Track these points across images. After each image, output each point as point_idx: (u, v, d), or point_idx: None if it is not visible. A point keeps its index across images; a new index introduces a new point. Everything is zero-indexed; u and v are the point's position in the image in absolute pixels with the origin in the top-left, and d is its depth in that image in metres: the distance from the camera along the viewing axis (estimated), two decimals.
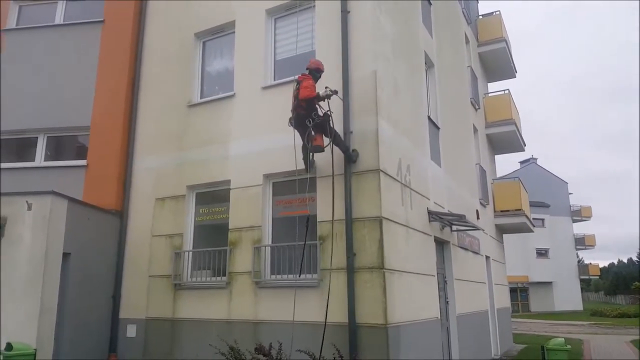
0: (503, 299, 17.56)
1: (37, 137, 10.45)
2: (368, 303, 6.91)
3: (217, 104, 9.39)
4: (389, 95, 8.13)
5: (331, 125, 7.13)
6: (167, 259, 9.06)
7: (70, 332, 8.20)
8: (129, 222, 9.71)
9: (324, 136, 7.19)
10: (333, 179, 7.29)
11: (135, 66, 10.51)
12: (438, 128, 10.97)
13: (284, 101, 7.72)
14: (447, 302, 10.31)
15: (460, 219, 10.25)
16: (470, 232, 12.38)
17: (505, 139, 18.59)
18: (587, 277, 61.21)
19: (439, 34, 12.14)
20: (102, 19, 10.90)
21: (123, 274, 9.47)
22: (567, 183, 53.13)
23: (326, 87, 7.05)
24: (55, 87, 10.52)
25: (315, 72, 7.32)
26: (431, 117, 10.57)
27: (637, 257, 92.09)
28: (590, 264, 60.30)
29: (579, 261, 57.53)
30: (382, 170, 7.34)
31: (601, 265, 74.54)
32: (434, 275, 9.33)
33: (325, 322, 6.76)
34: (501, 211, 17.18)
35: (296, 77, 7.39)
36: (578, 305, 48.67)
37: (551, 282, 47.33)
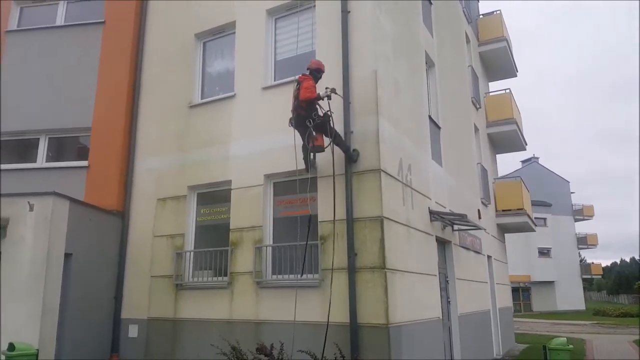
0: (505, 299, 17.53)
1: (38, 138, 10.47)
2: (369, 303, 6.90)
3: (218, 104, 9.40)
4: (390, 94, 8.13)
5: (331, 125, 7.13)
6: (169, 259, 9.07)
7: (72, 333, 8.22)
8: (130, 223, 9.73)
9: (324, 136, 7.20)
10: (334, 179, 7.30)
11: (136, 67, 10.52)
12: (439, 127, 10.96)
13: (284, 101, 7.73)
14: (448, 302, 10.30)
15: (462, 218, 10.25)
16: (471, 232, 12.37)
17: (507, 138, 18.57)
18: (589, 277, 61.15)
19: (440, 34, 12.14)
20: (102, 20, 10.92)
21: (125, 274, 9.48)
22: (569, 182, 53.06)
23: (326, 88, 7.06)
24: (57, 88, 10.54)
25: (316, 73, 7.33)
26: (432, 116, 10.57)
27: None
28: (593, 263, 60.26)
29: (581, 260, 57.45)
30: (383, 170, 7.34)
31: (603, 265, 74.58)
32: (436, 275, 9.32)
33: (328, 322, 6.76)
34: (503, 210, 17.15)
35: (296, 77, 7.40)
36: (580, 305, 48.61)
37: (553, 281, 47.28)
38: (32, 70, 10.80)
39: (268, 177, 8.44)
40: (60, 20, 11.29)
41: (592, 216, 55.49)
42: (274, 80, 8.89)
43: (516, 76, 20.64)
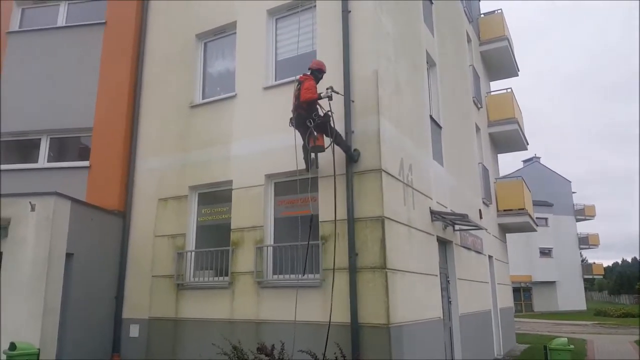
0: (506, 299, 17.53)
1: (40, 139, 10.49)
2: (370, 303, 6.90)
3: (219, 104, 9.41)
4: (391, 94, 8.13)
5: (332, 125, 7.13)
6: (170, 259, 9.08)
7: (73, 332, 8.23)
8: (131, 223, 9.74)
9: (324, 136, 7.20)
10: (335, 179, 7.30)
11: (137, 67, 10.54)
12: (440, 127, 10.96)
13: (285, 101, 7.73)
14: (449, 302, 10.30)
15: (463, 218, 10.24)
16: (473, 232, 12.36)
17: (508, 138, 18.56)
18: (590, 277, 61.12)
19: (441, 33, 12.13)
20: (104, 21, 10.93)
21: (126, 274, 9.50)
22: (570, 182, 53.03)
23: (327, 88, 7.06)
24: (58, 89, 10.56)
25: (317, 73, 7.33)
26: (433, 116, 10.56)
27: None
28: (594, 263, 60.20)
29: (582, 260, 57.38)
30: (384, 170, 7.34)
31: (605, 265, 74.51)
32: (437, 275, 9.32)
33: (330, 322, 6.76)
34: (504, 210, 17.14)
35: (297, 77, 7.41)
36: (582, 305, 48.55)
37: (555, 281, 47.24)
38: (33, 70, 10.82)
39: (269, 177, 8.45)
40: (61, 21, 11.31)
41: (593, 216, 55.46)
42: (275, 81, 8.89)
43: (517, 75, 20.64)
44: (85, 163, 10.10)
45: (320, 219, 7.60)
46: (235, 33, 9.60)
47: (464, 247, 11.67)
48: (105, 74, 10.52)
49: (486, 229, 13.69)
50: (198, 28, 10.07)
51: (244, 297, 8.09)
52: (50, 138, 10.50)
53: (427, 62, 10.76)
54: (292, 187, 8.07)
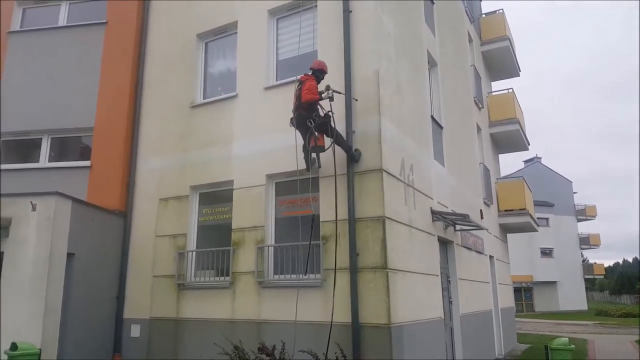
0: (507, 299, 17.52)
1: (41, 139, 10.50)
2: (371, 303, 6.90)
3: (220, 104, 9.41)
4: (392, 94, 8.13)
5: (332, 125, 7.13)
6: (171, 259, 9.08)
7: (74, 332, 8.23)
8: (132, 223, 9.74)
9: (325, 136, 7.20)
10: (335, 179, 7.29)
11: (138, 67, 10.54)
12: (441, 127, 10.95)
13: (286, 101, 7.73)
14: (450, 302, 10.29)
15: (464, 218, 10.24)
16: (474, 232, 12.36)
17: (509, 138, 18.55)
18: (591, 277, 61.09)
19: (442, 33, 12.12)
20: (105, 21, 10.93)
21: (127, 274, 9.50)
22: (571, 182, 52.97)
23: (328, 89, 7.06)
24: (59, 89, 10.56)
25: (319, 73, 7.33)
26: (434, 116, 10.56)
27: None
28: (595, 263, 60.14)
29: (583, 260, 57.33)
30: (385, 170, 7.34)
31: (606, 265, 74.35)
32: (438, 275, 9.31)
33: (332, 322, 6.76)
34: (505, 210, 17.14)
35: (299, 77, 7.40)
36: (583, 305, 48.50)
37: (556, 281, 47.19)
38: (34, 70, 10.83)
39: (270, 177, 8.44)
40: (62, 21, 11.31)
41: (594, 216, 55.42)
42: (276, 81, 8.89)
43: (519, 75, 20.63)
44: (86, 163, 10.10)
45: (321, 219, 7.59)
46: (236, 33, 9.60)
47: (465, 247, 11.66)
48: (106, 74, 10.52)
49: (487, 229, 13.68)
50: (199, 28, 10.07)
51: (245, 297, 8.09)
52: (51, 138, 10.51)
53: (428, 62, 10.76)
54: (293, 187, 8.06)
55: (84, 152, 10.48)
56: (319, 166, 7.56)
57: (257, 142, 8.61)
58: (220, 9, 9.85)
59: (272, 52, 9.12)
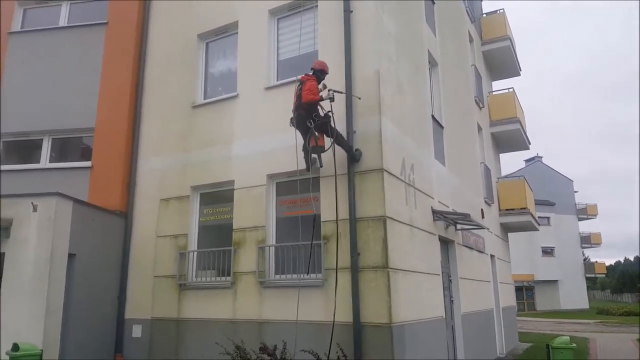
0: (508, 298, 17.52)
1: (42, 139, 10.51)
2: (372, 302, 6.90)
3: (221, 104, 9.41)
4: (393, 94, 8.13)
5: (332, 125, 7.13)
6: (172, 259, 9.09)
7: (76, 333, 8.24)
8: (133, 223, 9.75)
9: (325, 136, 7.20)
10: (336, 178, 7.30)
11: (138, 67, 10.55)
12: (442, 127, 10.95)
13: (287, 101, 7.72)
14: (452, 301, 10.29)
15: (465, 217, 10.24)
16: (475, 231, 12.35)
17: (510, 138, 18.55)
18: (593, 276, 61.02)
19: (443, 33, 12.12)
20: (105, 21, 10.94)
21: (128, 275, 9.50)
22: (572, 181, 52.93)
23: (330, 90, 7.06)
24: (60, 89, 10.57)
25: (320, 74, 7.33)
26: (435, 116, 10.55)
27: None
28: (597, 262, 60.12)
29: (585, 259, 57.29)
30: (385, 170, 7.33)
31: (607, 264, 74.27)
32: (439, 274, 9.31)
33: (334, 321, 6.76)
34: (506, 210, 17.13)
35: (300, 77, 7.40)
36: (584, 304, 48.50)
37: (557, 280, 47.17)
38: (35, 71, 10.83)
39: (271, 177, 8.45)
40: (63, 22, 11.32)
41: (595, 215, 55.36)
42: (277, 81, 8.89)
43: (520, 75, 20.63)
44: (87, 163, 10.11)
45: (322, 219, 7.59)
46: (236, 33, 9.60)
47: (466, 246, 11.66)
48: (106, 74, 10.53)
49: (488, 229, 13.67)
50: (199, 28, 10.08)
51: (246, 297, 8.10)
52: (52, 138, 10.52)
53: (429, 62, 10.76)
54: (294, 187, 8.06)
55: (85, 153, 10.48)
56: (321, 165, 7.56)
57: (258, 142, 8.61)
58: (220, 9, 9.85)
59: (273, 52, 9.12)
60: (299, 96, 7.07)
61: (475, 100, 15.37)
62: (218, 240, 8.85)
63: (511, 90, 18.21)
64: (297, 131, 7.35)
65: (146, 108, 10.34)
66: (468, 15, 15.97)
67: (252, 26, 9.34)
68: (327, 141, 7.22)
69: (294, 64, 8.73)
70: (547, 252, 47.58)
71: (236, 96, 9.19)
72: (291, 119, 7.28)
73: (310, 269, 7.40)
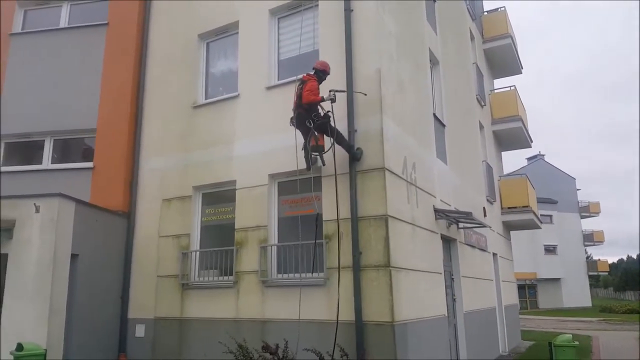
0: (511, 296, 17.50)
1: (43, 140, 10.53)
2: (375, 301, 6.91)
3: (222, 104, 9.42)
4: (394, 93, 8.12)
5: (332, 125, 7.13)
6: (175, 259, 9.11)
7: (79, 333, 8.27)
8: (136, 223, 9.77)
9: (325, 136, 7.20)
10: (336, 178, 7.31)
11: (140, 68, 10.56)
12: (444, 125, 10.94)
13: (288, 101, 7.72)
14: (454, 300, 10.30)
15: (467, 216, 10.23)
16: (477, 230, 12.35)
17: (512, 136, 18.53)
18: (596, 274, 60.90)
19: (444, 31, 12.11)
20: (106, 22, 10.95)
21: (131, 275, 9.53)
22: (574, 179, 52.81)
23: (330, 90, 7.06)
24: (61, 90, 10.59)
25: (321, 74, 7.33)
26: (436, 114, 10.55)
27: None
28: (599, 260, 60.00)
29: (587, 257, 57.23)
30: (387, 169, 7.34)
31: (610, 262, 74.05)
32: (441, 273, 9.32)
33: (337, 320, 6.77)
34: (508, 208, 17.12)
35: (301, 76, 7.40)
36: (587, 302, 48.40)
37: (560, 278, 47.07)
38: (36, 72, 10.85)
39: (272, 176, 8.46)
40: (64, 23, 11.34)
41: (598, 213, 55.24)
42: (278, 80, 8.90)
43: (521, 73, 20.59)
44: (89, 164, 10.13)
45: (324, 218, 7.60)
46: (237, 33, 9.61)
47: (468, 244, 11.66)
48: (107, 75, 10.55)
49: (490, 227, 13.66)
50: (200, 28, 10.09)
51: (249, 296, 8.11)
52: (54, 139, 10.54)
53: (430, 61, 10.75)
54: (295, 187, 8.06)
55: (87, 153, 10.51)
56: (323, 164, 7.55)
57: (259, 142, 8.62)
58: (221, 9, 9.86)
59: (274, 52, 9.12)
60: (299, 95, 7.07)
61: (477, 99, 15.35)
62: (220, 240, 8.87)
63: (513, 88, 18.18)
64: (298, 131, 7.35)
65: (147, 108, 10.35)
66: (469, 13, 15.94)
67: (253, 26, 9.35)
68: (328, 141, 7.23)
69: (295, 63, 8.74)
70: (550, 250, 47.48)
71: (237, 96, 9.20)
72: (291, 118, 7.29)
73: (313, 267, 7.41)
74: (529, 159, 53.15)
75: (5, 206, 7.95)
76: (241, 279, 8.26)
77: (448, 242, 10.46)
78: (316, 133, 7.07)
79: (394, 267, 7.00)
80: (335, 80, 7.50)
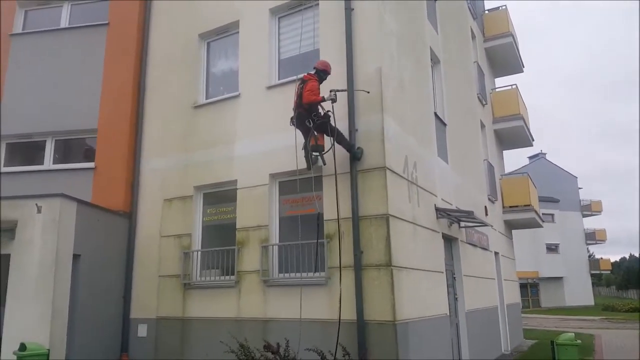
0: (513, 295, 17.49)
1: (45, 141, 10.54)
2: (376, 300, 6.91)
3: (223, 104, 9.42)
4: (395, 92, 8.12)
5: (332, 124, 7.13)
6: (176, 259, 9.12)
7: (82, 333, 8.28)
8: (137, 223, 9.78)
9: (325, 135, 7.20)
10: (336, 177, 7.31)
11: (140, 68, 10.57)
12: (445, 124, 10.93)
13: (288, 100, 7.71)
14: (456, 299, 10.29)
15: (469, 215, 10.22)
16: (478, 228, 12.34)
17: (513, 134, 18.50)
18: (598, 272, 60.72)
19: (445, 30, 12.09)
20: (106, 22, 10.96)
21: (133, 275, 9.54)
22: (576, 177, 52.72)
23: (331, 90, 7.06)
24: (62, 90, 10.60)
25: (322, 74, 7.32)
26: (438, 113, 10.53)
27: None
28: (602, 258, 59.89)
29: (589, 256, 57.10)
30: (388, 168, 7.33)
31: (612, 260, 73.85)
32: (443, 272, 9.31)
33: (340, 320, 6.77)
34: (510, 207, 17.10)
35: (301, 76, 7.40)
36: (589, 300, 48.36)
37: (562, 277, 47.03)
38: (37, 72, 10.86)
39: (273, 176, 8.46)
40: (64, 23, 11.34)
41: (600, 211, 55.14)
42: (278, 80, 8.89)
43: (522, 72, 20.56)
44: (91, 164, 10.14)
45: (325, 218, 7.60)
46: (238, 32, 9.60)
47: (469, 243, 11.65)
48: (108, 75, 10.56)
49: (492, 226, 13.65)
50: (201, 28, 10.08)
51: (250, 295, 8.12)
52: (55, 140, 10.55)
53: (431, 59, 10.74)
54: (296, 186, 8.07)
55: (88, 154, 10.52)
56: (324, 163, 7.53)
57: (260, 142, 8.62)
58: (221, 8, 9.86)
59: (274, 51, 9.12)
60: (299, 95, 7.07)
61: (478, 97, 15.33)
62: (221, 239, 8.87)
63: (514, 87, 18.16)
64: (298, 130, 7.35)
65: (148, 108, 10.36)
66: (470, 12, 15.92)
67: (253, 25, 9.35)
68: (328, 140, 7.22)
69: (296, 62, 8.73)
70: (552, 248, 47.44)
71: (238, 96, 9.20)
72: (291, 117, 7.28)
73: (314, 267, 7.41)
74: (530, 157, 53.09)
75: (6, 207, 7.96)
76: (243, 278, 8.26)
77: (449, 241, 10.45)
78: (316, 133, 7.06)
79: (395, 266, 7.00)
80: (335, 80, 7.49)
